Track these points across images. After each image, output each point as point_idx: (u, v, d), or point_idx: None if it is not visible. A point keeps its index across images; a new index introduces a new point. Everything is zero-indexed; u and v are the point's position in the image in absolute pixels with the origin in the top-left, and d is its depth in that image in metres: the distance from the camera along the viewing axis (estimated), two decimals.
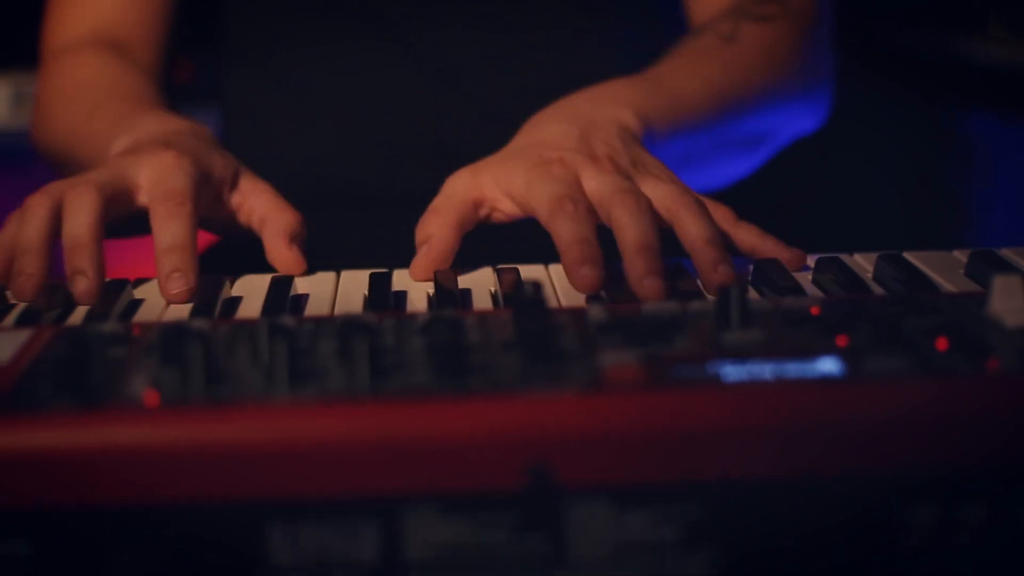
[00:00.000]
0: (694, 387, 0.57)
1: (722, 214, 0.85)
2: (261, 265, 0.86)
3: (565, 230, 0.77)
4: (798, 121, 1.13)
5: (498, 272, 0.81)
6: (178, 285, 0.79)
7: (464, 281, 0.82)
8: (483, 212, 0.86)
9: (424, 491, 0.56)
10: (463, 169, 0.87)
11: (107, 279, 0.81)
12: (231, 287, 0.82)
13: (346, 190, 1.15)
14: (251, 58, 1.19)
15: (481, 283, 0.82)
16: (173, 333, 0.60)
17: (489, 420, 0.56)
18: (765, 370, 0.59)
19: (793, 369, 0.59)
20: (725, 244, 0.80)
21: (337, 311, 0.77)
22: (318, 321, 0.66)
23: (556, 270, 0.83)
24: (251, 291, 0.81)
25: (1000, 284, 0.64)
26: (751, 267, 0.81)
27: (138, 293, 0.82)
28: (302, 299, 0.80)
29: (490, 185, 0.85)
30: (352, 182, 1.15)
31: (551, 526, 0.56)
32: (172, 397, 0.57)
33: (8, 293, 0.80)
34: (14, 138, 2.58)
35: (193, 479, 0.55)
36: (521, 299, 0.64)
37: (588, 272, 0.76)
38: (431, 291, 0.80)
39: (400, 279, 0.82)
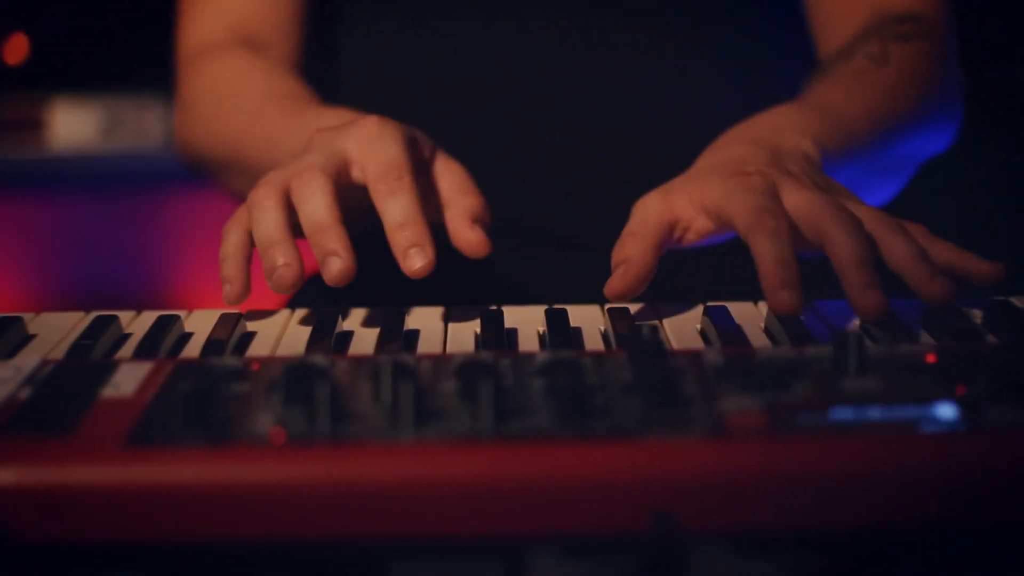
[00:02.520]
0: (817, 435, 0.57)
1: (918, 231, 0.82)
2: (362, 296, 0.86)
3: (766, 249, 0.75)
4: (937, 141, 1.11)
5: (609, 312, 0.81)
6: (418, 260, 0.79)
7: (572, 318, 0.82)
8: (677, 234, 0.84)
9: (546, 534, 0.56)
10: (652, 192, 0.85)
11: (218, 312, 0.82)
12: (342, 320, 0.83)
13: None
14: (366, 88, 1.20)
15: (590, 321, 0.82)
16: (298, 370, 0.61)
17: (612, 464, 0.56)
18: (884, 419, 0.59)
19: (913, 418, 0.59)
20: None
21: (449, 349, 0.78)
22: (436, 360, 0.67)
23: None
24: (362, 325, 0.82)
25: None
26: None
27: (250, 326, 0.83)
28: (413, 335, 0.80)
29: (683, 204, 0.83)
30: None
31: (673, 572, 0.56)
32: (298, 435, 0.58)
33: (269, 284, 0.81)
34: (104, 161, 2.62)
35: (317, 517, 0.56)
36: (639, 342, 0.64)
37: (788, 297, 0.74)
38: (541, 329, 0.80)
39: (512, 316, 0.83)
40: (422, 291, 0.85)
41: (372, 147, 0.83)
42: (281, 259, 0.80)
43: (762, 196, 0.78)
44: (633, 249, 0.81)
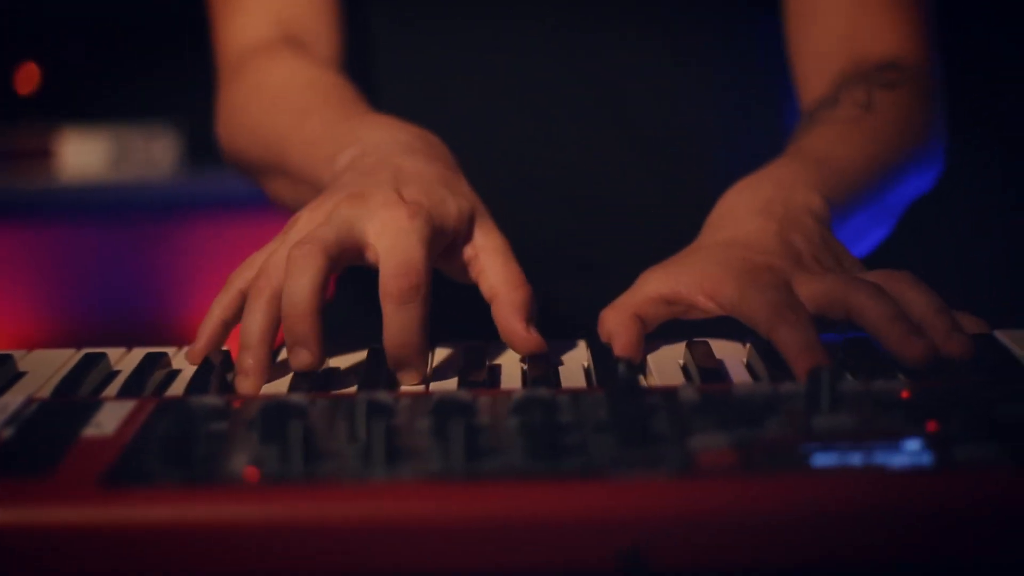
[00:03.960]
0: (785, 473, 0.58)
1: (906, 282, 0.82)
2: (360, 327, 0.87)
3: (790, 338, 0.76)
4: (922, 183, 1.12)
5: (590, 346, 0.82)
6: (410, 379, 0.79)
7: (556, 352, 0.83)
8: (677, 310, 0.84)
9: (518, 572, 0.57)
10: (658, 266, 0.86)
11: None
12: (329, 358, 0.83)
13: None
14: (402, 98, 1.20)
15: (574, 357, 0.83)
16: (273, 410, 0.62)
17: (581, 502, 0.57)
18: (854, 457, 0.59)
19: (882, 456, 0.59)
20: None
21: (433, 387, 0.78)
22: (414, 397, 0.68)
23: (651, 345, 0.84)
24: (347, 362, 0.83)
25: None
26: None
27: None
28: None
29: (689, 286, 0.83)
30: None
31: None
32: (272, 474, 0.59)
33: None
34: (113, 191, 2.64)
35: (290, 556, 0.56)
36: (615, 380, 0.65)
37: None
38: (525, 366, 0.81)
39: (494, 352, 0.83)
40: (444, 321, 0.85)
41: (394, 243, 0.80)
42: (248, 361, 0.79)
43: (775, 291, 0.79)
44: (613, 324, 0.82)
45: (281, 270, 0.80)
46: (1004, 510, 0.56)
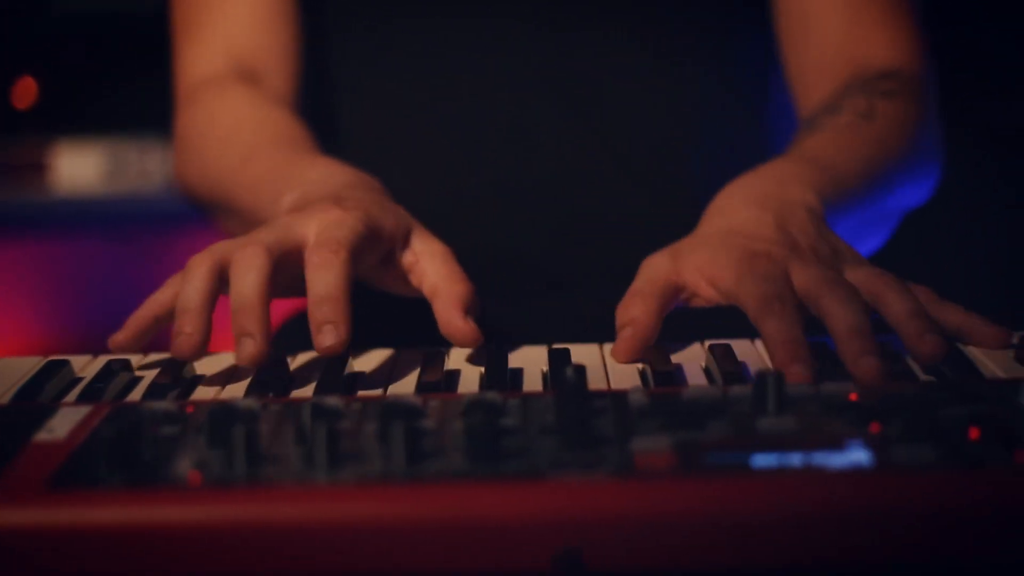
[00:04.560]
0: (723, 474, 0.58)
1: (924, 295, 0.84)
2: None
3: (774, 329, 0.77)
4: (919, 192, 1.13)
5: (550, 352, 0.83)
6: (329, 339, 0.78)
7: (516, 359, 0.83)
8: (683, 296, 0.86)
9: (458, 573, 0.57)
10: (660, 252, 0.87)
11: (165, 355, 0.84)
12: (291, 365, 0.84)
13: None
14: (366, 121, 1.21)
15: (535, 362, 0.83)
16: (220, 414, 0.62)
17: (520, 503, 0.57)
18: (794, 458, 0.60)
19: (822, 458, 0.60)
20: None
21: (391, 391, 0.79)
22: (365, 402, 0.68)
23: (610, 350, 0.84)
24: (310, 369, 0.83)
25: None
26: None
27: (200, 367, 0.84)
28: (359, 376, 0.82)
29: (691, 272, 0.85)
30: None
31: None
32: (215, 478, 0.59)
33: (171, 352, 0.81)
34: (108, 204, 2.64)
35: (233, 558, 0.57)
36: (562, 383, 0.66)
37: (798, 370, 0.75)
38: (483, 370, 0.81)
39: (456, 358, 0.84)
40: (417, 332, 0.86)
41: (326, 227, 0.83)
42: (188, 327, 0.80)
43: (771, 283, 0.80)
44: (638, 310, 0.83)
45: (228, 250, 0.82)
46: (936, 510, 0.57)
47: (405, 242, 0.88)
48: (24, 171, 2.68)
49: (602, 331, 0.86)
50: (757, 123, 1.23)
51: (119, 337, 0.85)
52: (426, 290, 0.86)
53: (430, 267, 0.87)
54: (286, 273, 0.83)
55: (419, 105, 1.18)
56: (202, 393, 0.80)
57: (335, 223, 0.83)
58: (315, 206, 0.86)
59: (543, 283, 1.16)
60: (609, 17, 1.17)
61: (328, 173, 0.96)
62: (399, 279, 0.88)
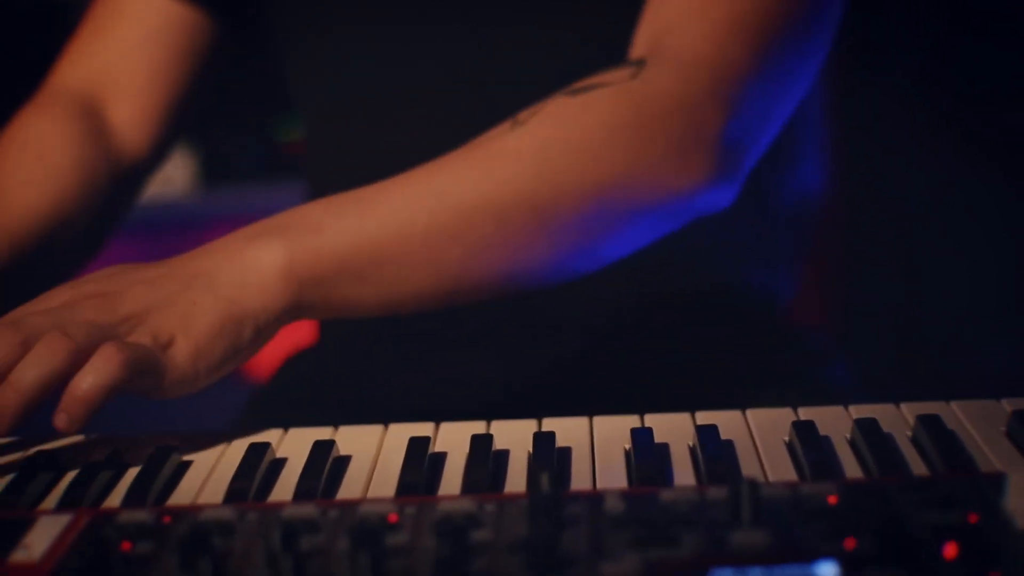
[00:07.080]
0: None
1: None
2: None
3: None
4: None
5: (535, 437, 0.81)
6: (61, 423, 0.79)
7: (503, 436, 0.82)
8: None
9: None
10: None
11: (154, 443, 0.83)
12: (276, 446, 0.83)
13: None
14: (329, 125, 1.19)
15: (520, 444, 0.82)
16: (191, 539, 0.62)
17: None
18: None
19: None
20: None
21: (376, 479, 0.78)
22: (342, 509, 0.68)
23: (600, 423, 0.83)
24: (295, 452, 0.82)
25: (1018, 484, 0.64)
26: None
27: (186, 452, 0.83)
28: (344, 463, 0.81)
29: None
30: None
31: None
32: None
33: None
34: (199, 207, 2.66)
35: None
36: (536, 495, 0.65)
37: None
38: (467, 459, 0.80)
39: (444, 436, 0.83)
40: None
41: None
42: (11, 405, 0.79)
43: None
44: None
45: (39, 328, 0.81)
46: None
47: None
48: None
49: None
50: None
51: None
52: None
53: None
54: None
55: (370, 115, 1.15)
56: (184, 492, 0.78)
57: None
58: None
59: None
60: (532, 17, 1.10)
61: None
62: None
